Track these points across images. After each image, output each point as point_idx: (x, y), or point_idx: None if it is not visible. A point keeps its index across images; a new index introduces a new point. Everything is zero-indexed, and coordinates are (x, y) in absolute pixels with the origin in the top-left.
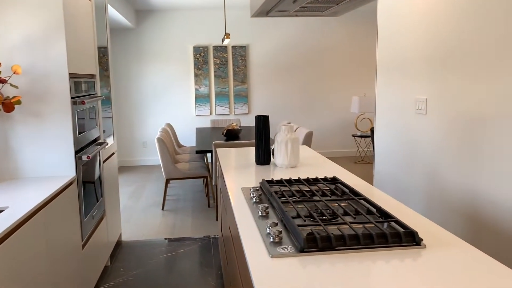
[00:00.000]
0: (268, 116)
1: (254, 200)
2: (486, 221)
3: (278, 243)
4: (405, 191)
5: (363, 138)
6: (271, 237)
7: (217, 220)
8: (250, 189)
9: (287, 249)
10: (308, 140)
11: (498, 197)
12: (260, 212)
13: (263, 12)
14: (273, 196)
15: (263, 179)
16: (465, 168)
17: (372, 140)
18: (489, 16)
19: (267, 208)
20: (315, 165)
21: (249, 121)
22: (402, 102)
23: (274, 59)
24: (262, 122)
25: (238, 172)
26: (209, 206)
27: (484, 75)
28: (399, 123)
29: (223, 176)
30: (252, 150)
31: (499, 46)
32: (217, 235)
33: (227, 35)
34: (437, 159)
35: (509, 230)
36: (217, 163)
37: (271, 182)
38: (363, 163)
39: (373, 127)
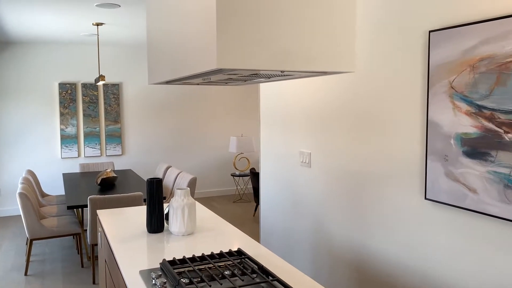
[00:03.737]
0: (161, 179)
1: None
2: (369, 272)
3: None
4: (292, 240)
5: (241, 177)
6: None
7: (94, 283)
8: (151, 274)
9: None
10: (192, 187)
11: (380, 249)
12: None
13: (164, 81)
14: (180, 285)
15: (164, 260)
16: (348, 221)
17: (251, 180)
18: (367, 81)
19: None
20: (213, 230)
21: (123, 164)
22: (287, 154)
23: (150, 97)
24: (155, 187)
25: (129, 244)
26: (82, 266)
27: (361, 134)
28: (285, 174)
29: (111, 251)
30: (138, 210)
31: (377, 108)
32: None
33: (102, 77)
34: (322, 211)
35: (390, 281)
36: (99, 229)
37: (173, 263)
38: (242, 201)
39: (253, 168)
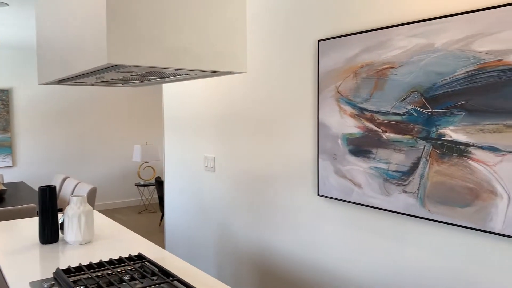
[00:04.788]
0: (54, 187)
1: None
2: (271, 269)
3: None
4: (198, 246)
5: (146, 187)
6: None
7: None
8: (43, 285)
9: None
10: (91, 198)
11: (281, 247)
12: None
13: (56, 81)
14: None
15: (57, 269)
16: (251, 222)
17: (157, 189)
18: (265, 86)
19: None
20: (112, 237)
21: (14, 176)
22: (192, 159)
23: (45, 103)
24: (48, 195)
25: (18, 256)
26: None
27: (261, 137)
28: (190, 180)
29: None
30: (30, 222)
31: (275, 112)
32: None
33: None
34: (227, 214)
35: (292, 277)
36: None
37: (68, 272)
38: (147, 212)
39: (158, 176)
